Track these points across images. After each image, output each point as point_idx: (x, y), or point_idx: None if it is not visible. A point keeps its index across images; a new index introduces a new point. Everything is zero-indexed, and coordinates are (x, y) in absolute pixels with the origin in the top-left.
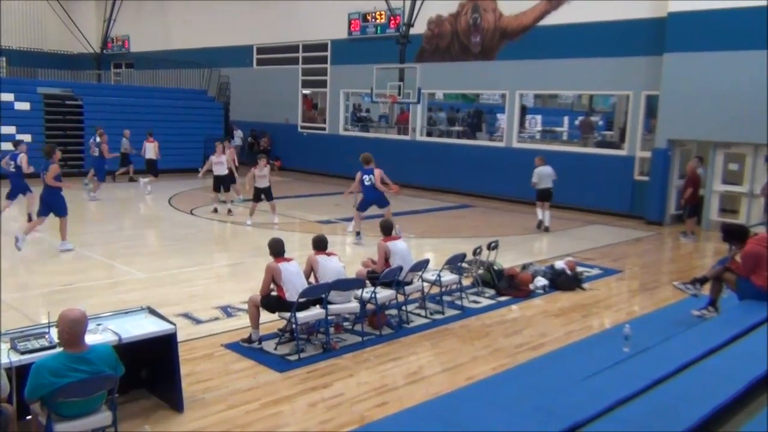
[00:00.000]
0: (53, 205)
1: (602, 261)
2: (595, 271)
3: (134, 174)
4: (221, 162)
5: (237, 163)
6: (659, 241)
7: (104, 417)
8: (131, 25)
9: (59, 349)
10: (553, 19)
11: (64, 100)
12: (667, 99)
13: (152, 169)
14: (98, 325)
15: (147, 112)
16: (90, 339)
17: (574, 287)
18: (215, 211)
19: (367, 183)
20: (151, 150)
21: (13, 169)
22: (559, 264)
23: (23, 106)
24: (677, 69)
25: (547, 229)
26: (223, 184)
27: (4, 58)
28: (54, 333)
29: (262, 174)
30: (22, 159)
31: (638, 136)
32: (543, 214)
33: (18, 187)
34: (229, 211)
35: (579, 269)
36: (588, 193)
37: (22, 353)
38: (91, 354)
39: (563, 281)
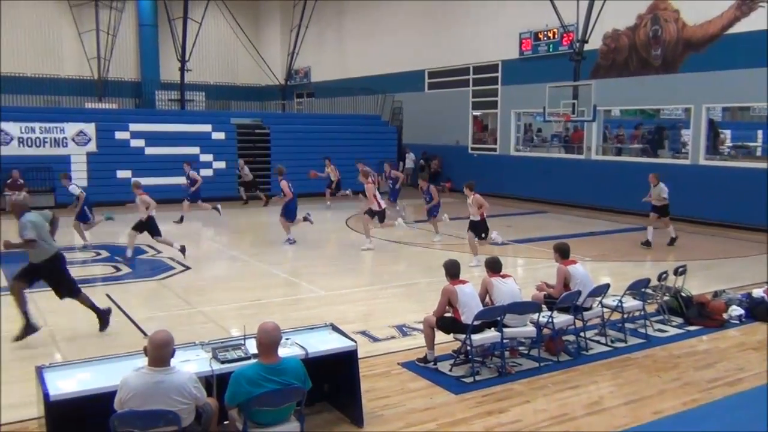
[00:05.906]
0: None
1: None
2: None
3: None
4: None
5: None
6: None
7: (293, 426)
8: (312, 57)
9: (254, 360)
10: (744, 26)
11: (253, 129)
12: None
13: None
14: (286, 339)
15: (326, 137)
16: (279, 352)
17: None
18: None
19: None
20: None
21: None
22: (758, 292)
23: (219, 135)
24: None
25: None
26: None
27: (203, 93)
28: (249, 345)
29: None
30: None
31: None
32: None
33: None
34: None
35: None
36: None
37: (222, 362)
38: (283, 366)
39: (763, 311)
